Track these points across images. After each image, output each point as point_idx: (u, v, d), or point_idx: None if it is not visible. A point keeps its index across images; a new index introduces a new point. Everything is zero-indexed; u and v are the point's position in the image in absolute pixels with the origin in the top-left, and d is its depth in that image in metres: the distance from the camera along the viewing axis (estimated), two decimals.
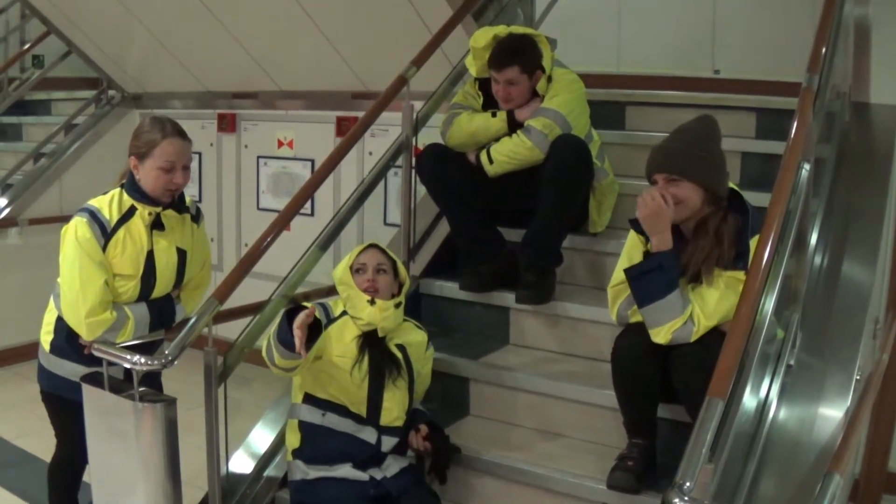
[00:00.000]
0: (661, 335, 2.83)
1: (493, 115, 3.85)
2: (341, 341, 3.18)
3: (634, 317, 2.98)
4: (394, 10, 4.89)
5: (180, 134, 3.15)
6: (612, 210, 3.98)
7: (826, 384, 2.94)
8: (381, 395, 3.16)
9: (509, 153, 3.73)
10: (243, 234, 6.54)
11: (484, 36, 3.87)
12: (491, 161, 3.78)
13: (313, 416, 3.18)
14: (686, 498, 1.97)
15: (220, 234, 6.62)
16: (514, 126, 3.80)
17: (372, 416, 3.15)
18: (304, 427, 3.19)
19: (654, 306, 2.84)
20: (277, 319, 3.04)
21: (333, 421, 3.16)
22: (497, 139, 3.81)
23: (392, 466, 3.16)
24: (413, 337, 3.36)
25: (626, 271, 2.94)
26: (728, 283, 2.83)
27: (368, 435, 3.15)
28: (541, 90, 3.82)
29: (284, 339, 2.92)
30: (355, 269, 3.26)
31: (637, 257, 2.98)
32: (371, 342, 3.19)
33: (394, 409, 3.17)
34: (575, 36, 5.11)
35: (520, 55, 3.76)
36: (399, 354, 3.23)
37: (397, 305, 3.25)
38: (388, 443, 3.17)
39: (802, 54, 3.27)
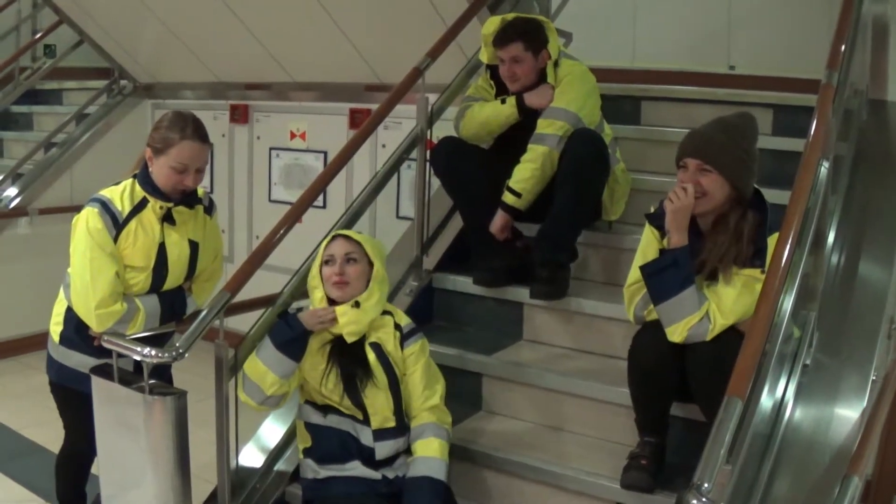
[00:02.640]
0: (677, 333, 2.80)
1: (503, 101, 3.85)
2: (311, 351, 3.10)
3: (651, 316, 2.95)
4: (409, 1, 4.87)
5: (200, 137, 3.10)
6: (626, 203, 3.95)
7: (842, 384, 2.92)
8: (360, 401, 3.07)
9: (531, 173, 3.69)
10: (254, 226, 6.52)
11: (493, 23, 3.89)
12: (518, 194, 3.72)
13: (317, 417, 3.13)
14: (704, 499, 1.96)
15: (232, 225, 6.60)
16: (523, 111, 3.79)
17: (366, 418, 3.09)
18: (311, 428, 3.14)
19: (670, 303, 2.81)
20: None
21: (335, 421, 3.10)
22: (507, 129, 3.83)
23: (404, 466, 3.10)
24: (386, 333, 3.17)
25: (642, 269, 2.92)
26: (745, 282, 2.80)
27: (366, 437, 3.08)
28: (550, 79, 3.81)
29: (287, 339, 2.91)
30: (324, 261, 3.14)
31: (652, 255, 2.95)
32: (340, 349, 3.09)
33: (379, 412, 3.08)
34: (590, 30, 5.11)
35: (523, 32, 3.78)
36: (372, 355, 3.11)
37: (355, 305, 3.07)
38: (382, 448, 3.07)
39: (818, 51, 3.26)
